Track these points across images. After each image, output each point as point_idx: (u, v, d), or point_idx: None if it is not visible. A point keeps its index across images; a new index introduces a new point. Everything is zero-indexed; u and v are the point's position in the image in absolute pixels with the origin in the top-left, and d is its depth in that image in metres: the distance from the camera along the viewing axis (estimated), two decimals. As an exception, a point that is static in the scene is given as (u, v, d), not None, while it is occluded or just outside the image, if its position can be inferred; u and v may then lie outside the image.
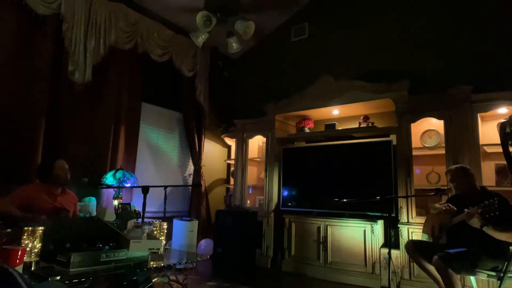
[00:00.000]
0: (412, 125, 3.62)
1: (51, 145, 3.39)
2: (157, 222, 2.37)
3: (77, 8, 3.59)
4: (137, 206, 3.38)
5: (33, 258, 1.74)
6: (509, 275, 2.30)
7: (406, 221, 3.45)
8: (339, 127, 4.36)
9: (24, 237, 1.73)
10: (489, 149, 3.35)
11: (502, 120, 2.34)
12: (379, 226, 3.63)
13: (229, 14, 4.35)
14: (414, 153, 3.60)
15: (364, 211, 3.75)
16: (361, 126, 4.08)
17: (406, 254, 3.00)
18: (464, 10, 3.82)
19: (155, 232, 2.30)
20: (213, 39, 4.65)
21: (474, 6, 3.75)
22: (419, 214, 3.48)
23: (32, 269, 1.66)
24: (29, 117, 3.25)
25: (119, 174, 3.52)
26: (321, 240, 3.90)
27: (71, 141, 3.56)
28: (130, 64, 4.17)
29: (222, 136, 5.51)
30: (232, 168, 5.35)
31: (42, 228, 1.79)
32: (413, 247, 2.72)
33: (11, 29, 3.22)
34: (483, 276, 2.41)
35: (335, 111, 4.42)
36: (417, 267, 2.97)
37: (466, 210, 2.40)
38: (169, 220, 3.48)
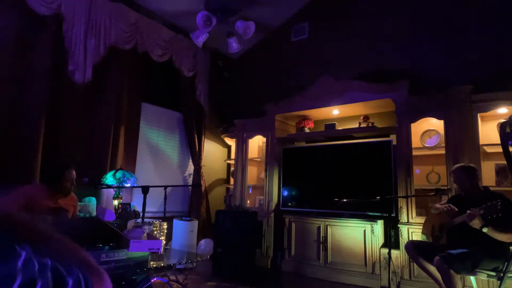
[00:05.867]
0: (412, 125, 3.62)
1: (51, 145, 3.39)
2: (157, 222, 2.37)
3: (77, 8, 3.59)
4: (137, 206, 3.38)
5: (33, 258, 1.74)
6: (509, 275, 2.30)
7: (406, 221, 3.45)
8: (339, 127, 4.36)
9: (24, 237, 1.73)
10: (489, 149, 3.35)
11: (502, 120, 2.34)
12: (379, 226, 3.63)
13: (229, 14, 4.35)
14: (414, 153, 3.60)
15: (364, 211, 3.75)
16: (361, 126, 4.08)
17: (406, 254, 3.00)
18: (464, 10, 3.82)
19: (155, 232, 2.31)
20: (213, 39, 4.65)
21: (474, 6, 3.75)
22: (419, 214, 3.48)
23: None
24: (29, 117, 3.25)
25: (119, 174, 3.52)
26: (321, 240, 3.90)
27: (71, 141, 3.57)
28: (130, 64, 4.17)
29: (222, 136, 5.51)
30: (232, 168, 5.35)
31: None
32: (413, 247, 2.72)
33: (11, 29, 3.22)
34: (483, 276, 2.41)
35: (335, 111, 4.42)
36: (417, 267, 2.97)
37: (468, 211, 2.39)
38: (169, 220, 3.49)
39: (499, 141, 2.36)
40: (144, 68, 4.39)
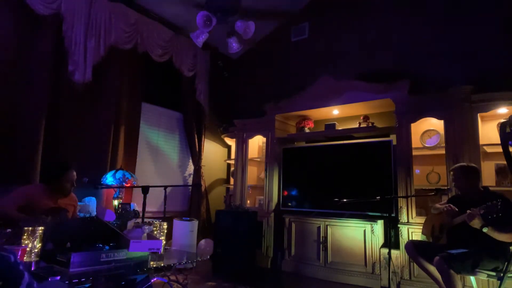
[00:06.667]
0: (412, 125, 3.62)
1: (51, 145, 3.39)
2: (157, 222, 2.37)
3: (77, 8, 3.59)
4: (137, 206, 3.38)
5: (33, 258, 1.74)
6: (509, 275, 2.30)
7: (406, 221, 3.45)
8: (339, 127, 4.36)
9: (24, 237, 1.73)
10: (489, 149, 3.35)
11: (502, 120, 2.34)
12: (379, 226, 3.63)
13: (229, 14, 4.34)
14: (414, 153, 3.60)
15: (364, 211, 3.75)
16: (361, 126, 4.08)
17: (406, 254, 3.00)
18: (464, 10, 3.82)
19: (155, 232, 2.31)
20: (213, 39, 4.65)
21: (474, 6, 3.75)
22: (419, 214, 3.48)
23: (32, 269, 1.66)
24: (29, 117, 3.25)
25: (119, 174, 3.52)
26: (321, 240, 3.90)
27: (71, 141, 3.56)
28: (130, 64, 4.17)
29: (222, 136, 5.51)
30: (232, 168, 5.35)
31: (42, 228, 1.79)
32: (413, 247, 2.72)
33: (11, 29, 3.22)
34: (483, 276, 2.41)
35: (335, 111, 4.42)
36: (417, 267, 2.97)
37: (468, 211, 2.39)
38: (169, 220, 3.49)
39: (499, 141, 2.37)
40: (144, 68, 4.39)
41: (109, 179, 3.50)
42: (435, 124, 3.66)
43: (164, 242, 2.30)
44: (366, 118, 4.09)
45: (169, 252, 2.63)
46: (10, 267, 1.04)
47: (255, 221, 4.11)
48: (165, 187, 3.03)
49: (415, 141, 3.67)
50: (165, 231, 2.37)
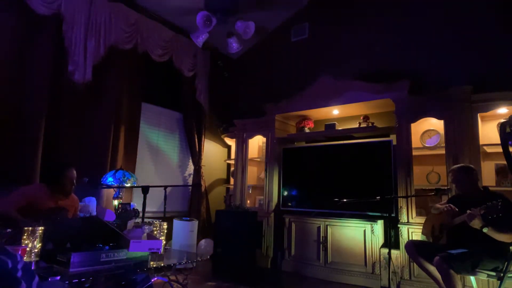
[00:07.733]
0: (412, 125, 3.62)
1: (51, 145, 3.39)
2: (157, 222, 2.37)
3: (77, 8, 3.59)
4: (137, 206, 3.39)
5: (33, 258, 1.74)
6: (509, 275, 2.30)
7: (406, 221, 3.45)
8: (339, 127, 4.36)
9: (24, 237, 1.73)
10: (489, 149, 3.35)
11: (502, 120, 2.33)
12: (379, 226, 3.63)
13: (229, 14, 4.35)
14: (414, 153, 3.60)
15: (364, 211, 3.75)
16: (361, 126, 4.08)
17: (406, 254, 3.00)
18: (464, 10, 3.82)
19: (155, 232, 2.31)
20: (213, 39, 4.65)
21: (474, 6, 3.75)
22: (419, 214, 3.48)
23: (32, 269, 1.66)
24: (29, 117, 3.25)
25: (119, 174, 3.52)
26: (321, 240, 3.90)
27: (71, 141, 3.56)
28: (130, 64, 4.17)
29: (222, 136, 5.51)
30: (232, 168, 5.35)
31: (42, 228, 1.79)
32: (413, 247, 2.72)
33: (11, 29, 3.22)
34: (483, 276, 2.41)
35: (335, 111, 4.42)
36: (417, 267, 2.97)
37: (468, 211, 2.39)
38: (169, 220, 3.49)
39: (499, 141, 2.36)
40: (144, 68, 4.39)
41: (109, 179, 3.49)
42: (435, 124, 3.66)
43: (164, 242, 2.30)
44: (366, 118, 4.09)
45: (169, 252, 2.63)
46: (5, 274, 1.00)
47: (255, 221, 4.11)
48: (165, 187, 3.03)
49: (415, 141, 3.67)
50: (165, 231, 2.37)
